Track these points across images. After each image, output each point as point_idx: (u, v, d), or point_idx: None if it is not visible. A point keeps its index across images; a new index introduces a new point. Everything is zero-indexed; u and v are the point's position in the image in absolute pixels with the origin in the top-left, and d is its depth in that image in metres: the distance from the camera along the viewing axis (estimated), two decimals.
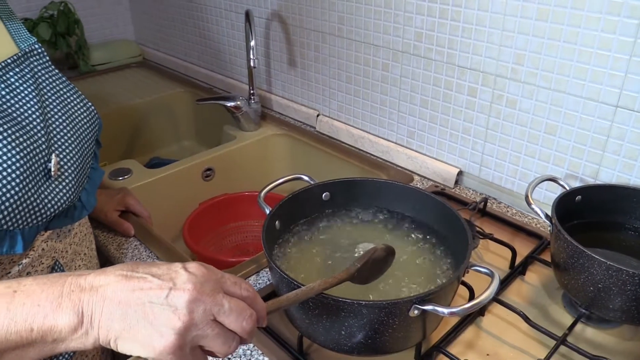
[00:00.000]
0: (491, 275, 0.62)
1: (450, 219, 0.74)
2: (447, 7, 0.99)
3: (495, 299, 0.79)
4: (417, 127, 1.14)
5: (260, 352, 0.72)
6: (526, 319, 0.74)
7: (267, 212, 0.75)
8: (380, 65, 1.16)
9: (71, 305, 0.47)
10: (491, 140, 1.03)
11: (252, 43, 1.25)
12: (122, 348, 0.48)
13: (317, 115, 1.36)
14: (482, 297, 0.58)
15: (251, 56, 1.26)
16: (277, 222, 0.76)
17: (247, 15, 1.26)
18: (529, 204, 0.81)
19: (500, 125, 1.00)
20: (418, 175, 1.15)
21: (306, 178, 0.83)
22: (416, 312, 0.59)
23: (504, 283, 0.85)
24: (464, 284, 0.78)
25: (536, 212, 0.79)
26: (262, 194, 0.79)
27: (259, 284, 0.86)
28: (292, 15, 1.31)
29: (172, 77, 1.81)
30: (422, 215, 0.82)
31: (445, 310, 0.58)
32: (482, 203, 1.01)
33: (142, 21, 1.97)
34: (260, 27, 1.41)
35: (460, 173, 1.10)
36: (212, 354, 0.49)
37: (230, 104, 1.32)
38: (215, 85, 1.69)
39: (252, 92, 1.37)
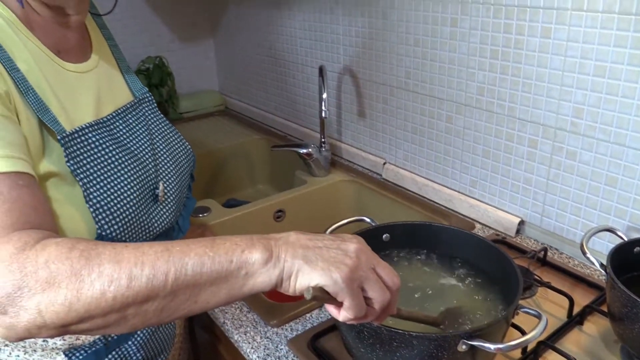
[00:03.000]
0: (539, 316, 0.65)
1: (504, 263, 0.78)
2: (507, 64, 1.05)
3: (551, 346, 0.81)
4: (480, 176, 1.18)
5: None
6: None
7: None
8: (444, 117, 1.22)
9: (262, 245, 0.58)
10: (552, 191, 1.05)
11: (324, 95, 1.35)
12: (301, 280, 0.57)
13: (384, 163, 1.43)
14: (529, 335, 0.62)
15: (323, 107, 1.36)
16: None
17: (321, 70, 1.37)
18: (583, 252, 0.83)
19: (560, 176, 1.03)
20: (480, 223, 1.19)
21: (368, 220, 0.89)
22: (464, 347, 0.63)
23: (561, 331, 0.86)
24: (517, 327, 0.80)
25: (591, 261, 0.81)
26: (327, 232, 0.86)
27: (320, 318, 0.92)
28: (362, 69, 1.41)
29: (251, 124, 1.96)
30: (478, 259, 0.85)
31: (492, 346, 0.62)
32: (542, 252, 1.03)
33: (226, 74, 2.15)
34: (333, 80, 1.52)
35: (521, 222, 1.13)
36: (371, 304, 0.59)
37: (302, 151, 1.43)
38: (290, 133, 1.81)
39: (323, 140, 1.47)
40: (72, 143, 0.72)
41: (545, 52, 0.98)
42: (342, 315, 0.58)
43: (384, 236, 0.88)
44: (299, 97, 1.73)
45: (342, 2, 1.41)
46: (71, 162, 0.71)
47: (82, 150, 0.73)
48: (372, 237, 0.87)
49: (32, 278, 0.53)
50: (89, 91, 0.80)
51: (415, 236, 0.89)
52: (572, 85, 0.96)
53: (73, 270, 0.53)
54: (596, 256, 0.82)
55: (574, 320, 0.88)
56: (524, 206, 1.11)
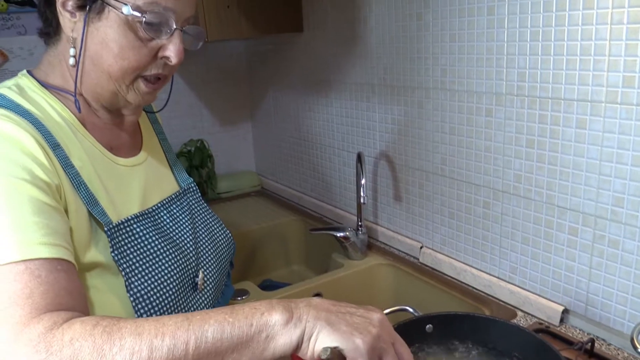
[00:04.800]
0: None
1: (550, 356, 0.76)
2: (544, 153, 1.07)
3: None
4: (520, 263, 1.18)
5: None
6: None
7: None
8: (481, 203, 1.23)
9: (282, 307, 0.60)
10: (596, 279, 1.04)
11: (363, 181, 1.39)
12: (321, 341, 0.58)
13: (421, 247, 1.44)
14: None
15: (362, 193, 1.39)
16: None
17: (359, 157, 1.41)
18: (634, 347, 0.80)
19: (604, 264, 1.02)
20: (521, 311, 1.17)
21: (411, 310, 0.89)
22: None
23: None
24: None
25: None
26: None
27: None
28: (398, 155, 1.45)
29: (287, 205, 2.00)
30: (523, 352, 0.84)
31: None
32: (589, 343, 1.00)
33: (263, 155, 2.22)
34: (369, 165, 1.56)
35: (565, 311, 1.10)
36: None
37: (339, 234, 1.44)
38: (325, 215, 1.83)
39: (360, 223, 1.49)
40: (118, 234, 0.76)
41: (582, 142, 1.00)
42: None
43: (427, 327, 0.87)
44: (334, 180, 1.77)
45: (378, 91, 1.48)
46: (115, 252, 0.74)
47: (126, 241, 0.77)
48: (415, 327, 0.87)
49: (56, 357, 0.55)
50: (137, 183, 0.85)
51: (458, 326, 0.89)
52: (610, 175, 0.97)
53: (95, 346, 0.56)
54: None
55: None
56: (567, 294, 1.10)
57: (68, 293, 0.64)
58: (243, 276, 1.74)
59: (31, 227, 0.64)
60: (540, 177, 1.09)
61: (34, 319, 0.58)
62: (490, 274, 1.25)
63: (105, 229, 0.74)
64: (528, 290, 1.17)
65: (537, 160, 1.09)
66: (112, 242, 0.74)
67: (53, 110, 0.77)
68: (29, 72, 0.81)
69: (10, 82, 0.78)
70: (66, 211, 0.71)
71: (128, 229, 0.78)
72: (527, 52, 1.06)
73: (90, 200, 0.74)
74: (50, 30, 0.79)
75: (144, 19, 0.73)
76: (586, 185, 1.01)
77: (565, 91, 1.01)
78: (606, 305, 1.03)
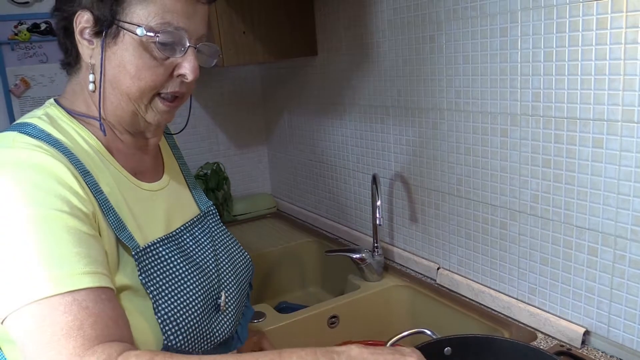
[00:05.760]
0: None
1: None
2: (560, 172, 1.07)
3: None
4: (539, 284, 1.16)
5: None
6: None
7: None
8: (498, 224, 1.23)
9: (326, 356, 0.64)
10: (617, 300, 1.02)
11: (379, 203, 1.39)
12: None
13: (438, 269, 1.43)
14: None
15: (377, 215, 1.39)
16: None
17: (374, 178, 1.42)
18: None
19: (625, 285, 1.00)
20: (542, 333, 1.15)
21: (429, 332, 0.89)
22: None
23: None
24: None
25: None
26: (388, 345, 0.86)
27: None
28: (414, 176, 1.45)
29: (302, 227, 2.00)
30: None
31: None
32: None
33: (279, 177, 2.24)
34: (384, 186, 1.56)
35: (587, 333, 1.08)
36: None
37: (355, 256, 1.44)
38: (341, 236, 1.83)
39: (376, 245, 1.49)
40: (144, 257, 0.77)
41: (599, 161, 1.00)
42: None
43: (446, 349, 0.86)
44: (350, 201, 1.78)
45: (392, 113, 1.49)
46: (143, 275, 0.75)
47: (153, 264, 0.78)
48: (433, 350, 0.86)
49: None
50: (161, 207, 0.86)
51: (478, 349, 0.88)
52: (629, 194, 0.96)
53: None
54: None
55: None
56: (588, 316, 1.08)
57: (114, 322, 0.67)
58: (259, 298, 1.74)
59: (74, 257, 0.66)
60: (557, 197, 1.08)
61: (88, 351, 0.61)
62: (509, 295, 1.24)
63: (133, 252, 0.76)
64: (548, 312, 1.15)
65: (554, 180, 1.08)
66: (140, 266, 0.76)
67: (81, 138, 0.79)
68: (55, 100, 0.83)
69: (40, 112, 0.81)
70: (100, 236, 0.73)
71: (154, 252, 0.79)
72: (542, 73, 1.06)
73: (118, 225, 0.76)
74: (71, 60, 0.82)
75: (157, 39, 0.75)
76: (605, 204, 1.01)
77: (581, 111, 1.01)
78: (629, 327, 1.01)
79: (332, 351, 0.64)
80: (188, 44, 0.78)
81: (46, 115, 0.79)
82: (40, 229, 0.66)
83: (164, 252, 0.81)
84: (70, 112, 0.81)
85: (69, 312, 0.63)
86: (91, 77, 0.78)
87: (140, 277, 0.75)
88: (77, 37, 0.78)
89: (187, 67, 0.79)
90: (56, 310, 0.63)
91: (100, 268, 0.68)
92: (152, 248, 0.79)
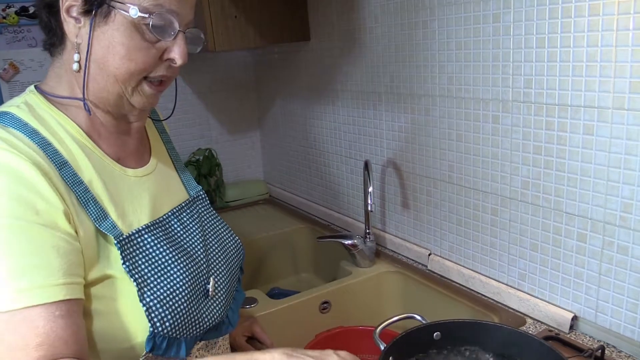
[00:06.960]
0: None
1: None
2: (551, 159, 1.07)
3: None
4: (528, 269, 1.17)
5: None
6: None
7: (382, 347, 0.81)
8: (489, 210, 1.23)
9: None
10: (605, 286, 1.03)
11: (370, 189, 1.39)
12: None
13: (429, 255, 1.44)
14: None
15: (369, 201, 1.39)
16: (390, 358, 0.82)
17: (366, 165, 1.42)
18: None
19: (613, 271, 1.01)
20: (531, 318, 1.16)
21: (419, 317, 0.89)
22: None
23: None
24: None
25: None
26: (378, 330, 0.86)
27: None
28: (405, 162, 1.45)
29: (294, 213, 2.00)
30: (533, 359, 0.83)
31: None
32: (599, 351, 0.99)
33: (271, 164, 2.23)
34: (376, 172, 1.57)
35: (575, 318, 1.10)
36: None
37: (347, 242, 1.44)
38: (333, 223, 1.84)
39: (367, 231, 1.49)
40: (128, 245, 0.76)
41: (589, 148, 1.00)
42: None
43: (435, 334, 0.87)
44: (342, 188, 1.78)
45: (385, 99, 1.48)
46: (127, 263, 0.75)
47: (137, 252, 0.77)
48: (423, 335, 0.87)
49: None
50: (147, 193, 0.85)
51: (467, 334, 0.88)
52: (618, 181, 0.97)
53: None
54: None
55: None
56: (577, 301, 1.09)
57: (63, 343, 0.66)
58: (251, 284, 1.75)
59: (33, 270, 0.66)
60: (547, 184, 1.09)
61: None
62: (499, 281, 1.25)
63: (115, 241, 0.75)
64: (537, 297, 1.17)
65: (544, 166, 1.09)
66: (123, 254, 0.75)
67: (60, 127, 0.77)
68: (36, 87, 0.82)
69: (19, 100, 0.79)
70: (76, 233, 0.72)
71: (139, 239, 0.78)
72: (534, 59, 1.06)
73: (98, 216, 0.75)
74: (55, 40, 0.80)
75: (150, 20, 0.74)
76: (594, 191, 1.01)
77: (572, 97, 1.01)
78: (616, 312, 1.02)
79: (254, 358, 0.67)
80: (178, 28, 0.77)
81: (25, 104, 0.77)
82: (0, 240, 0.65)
83: (149, 239, 0.80)
84: (52, 98, 0.80)
85: (16, 331, 0.63)
86: (76, 57, 0.76)
87: (124, 266, 0.74)
88: (63, 14, 0.75)
89: (177, 52, 0.78)
90: (5, 329, 0.64)
91: (61, 278, 0.67)
92: (136, 235, 0.78)
